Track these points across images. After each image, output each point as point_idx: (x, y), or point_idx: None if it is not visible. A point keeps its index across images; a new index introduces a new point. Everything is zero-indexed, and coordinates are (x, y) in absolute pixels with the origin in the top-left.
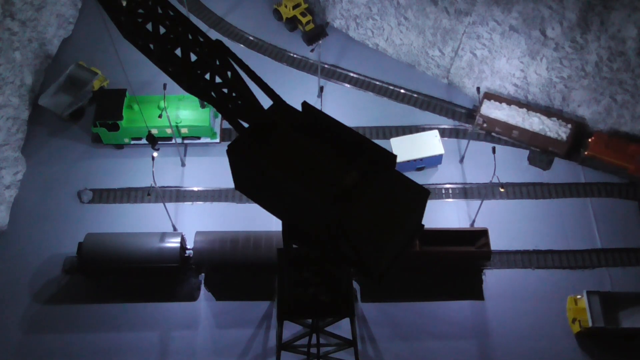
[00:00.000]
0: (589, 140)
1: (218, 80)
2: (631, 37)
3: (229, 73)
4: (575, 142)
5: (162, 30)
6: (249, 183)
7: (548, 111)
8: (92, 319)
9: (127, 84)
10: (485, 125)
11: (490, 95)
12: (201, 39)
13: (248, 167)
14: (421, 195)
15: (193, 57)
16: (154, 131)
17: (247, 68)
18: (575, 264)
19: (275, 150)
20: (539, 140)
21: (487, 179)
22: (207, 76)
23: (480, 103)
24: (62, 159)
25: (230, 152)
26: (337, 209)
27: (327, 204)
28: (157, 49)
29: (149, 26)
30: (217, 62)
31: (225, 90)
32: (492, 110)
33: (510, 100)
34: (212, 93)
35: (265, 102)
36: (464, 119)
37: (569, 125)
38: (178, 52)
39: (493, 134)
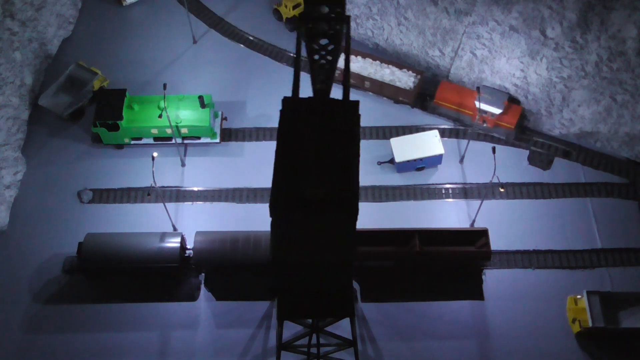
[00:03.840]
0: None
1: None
2: (631, 37)
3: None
4: (423, 91)
5: None
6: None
7: (400, 63)
8: (92, 319)
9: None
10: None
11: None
12: (339, 10)
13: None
14: (347, 260)
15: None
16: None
17: (347, 52)
18: (575, 264)
19: (292, 131)
20: (389, 90)
21: (487, 179)
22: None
23: None
24: (62, 159)
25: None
26: (282, 208)
27: (279, 199)
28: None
29: None
30: (331, 31)
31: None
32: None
33: (365, 54)
34: (314, 47)
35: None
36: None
37: (418, 76)
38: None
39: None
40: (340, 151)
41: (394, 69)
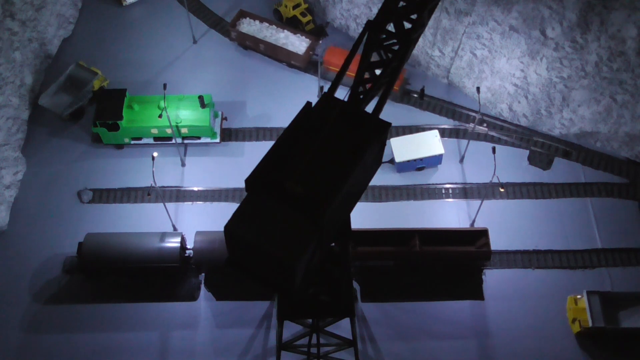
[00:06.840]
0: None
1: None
2: (631, 37)
3: (389, 55)
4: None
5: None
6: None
7: (296, 29)
8: (92, 319)
9: None
10: (234, 36)
11: (245, 13)
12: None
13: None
14: (291, 264)
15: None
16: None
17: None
18: (575, 264)
19: (306, 124)
20: (282, 53)
21: (487, 179)
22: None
23: (235, 20)
24: (62, 159)
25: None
26: (256, 187)
27: (257, 177)
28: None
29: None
30: (397, 47)
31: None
32: (244, 26)
33: (263, 18)
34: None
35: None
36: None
37: (310, 41)
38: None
39: (247, 49)
40: (339, 164)
41: (289, 33)
